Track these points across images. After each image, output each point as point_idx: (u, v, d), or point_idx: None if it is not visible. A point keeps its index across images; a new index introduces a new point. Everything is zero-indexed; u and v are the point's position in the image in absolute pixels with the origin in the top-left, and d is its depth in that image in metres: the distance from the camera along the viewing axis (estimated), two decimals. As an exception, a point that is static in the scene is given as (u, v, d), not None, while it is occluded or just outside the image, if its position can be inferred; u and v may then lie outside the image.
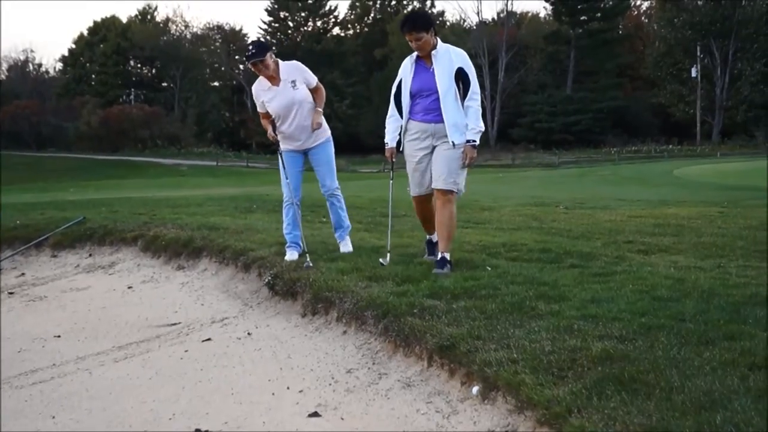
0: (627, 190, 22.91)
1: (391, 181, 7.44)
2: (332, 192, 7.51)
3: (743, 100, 72.52)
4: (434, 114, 6.29)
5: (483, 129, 6.34)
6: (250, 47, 7.25)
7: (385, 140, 6.64)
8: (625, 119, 78.34)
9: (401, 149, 6.66)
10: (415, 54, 6.38)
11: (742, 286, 5.57)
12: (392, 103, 6.60)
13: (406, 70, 6.46)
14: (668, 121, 78.33)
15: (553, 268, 6.49)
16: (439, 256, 6.43)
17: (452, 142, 6.25)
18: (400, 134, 6.59)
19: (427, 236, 7.04)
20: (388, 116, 6.64)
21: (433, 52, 6.26)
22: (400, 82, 6.50)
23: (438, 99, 6.24)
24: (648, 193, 20.37)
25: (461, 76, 6.25)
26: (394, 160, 6.74)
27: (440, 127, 6.29)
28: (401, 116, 6.52)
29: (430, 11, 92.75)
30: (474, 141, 6.28)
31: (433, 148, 6.41)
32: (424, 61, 6.35)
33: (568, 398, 3.52)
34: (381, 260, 6.72)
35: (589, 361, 3.93)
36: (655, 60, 78.75)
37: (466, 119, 6.28)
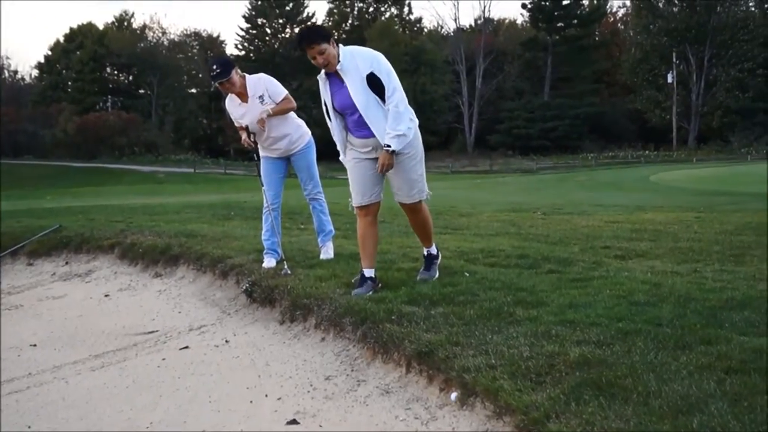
0: (604, 195, 23.04)
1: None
2: (314, 196, 7.51)
3: (718, 105, 73.20)
4: (368, 128, 5.68)
5: (404, 133, 5.62)
6: (214, 66, 7.01)
7: (340, 157, 6.07)
8: (602, 125, 78.83)
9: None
10: (323, 71, 5.76)
11: (718, 291, 5.60)
12: (327, 119, 5.95)
13: (323, 89, 5.84)
14: (645, 127, 78.86)
15: (531, 274, 6.50)
16: (426, 252, 6.30)
17: (393, 151, 5.64)
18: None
19: (363, 269, 6.06)
20: (331, 130, 5.98)
21: (338, 66, 5.60)
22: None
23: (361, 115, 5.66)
24: (625, 199, 20.50)
25: (374, 82, 5.58)
26: None
27: (377, 140, 5.71)
28: None
29: (407, 17, 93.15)
30: (389, 146, 5.60)
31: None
32: (336, 76, 5.73)
33: (546, 404, 3.52)
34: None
35: (567, 367, 3.94)
36: (632, 66, 79.29)
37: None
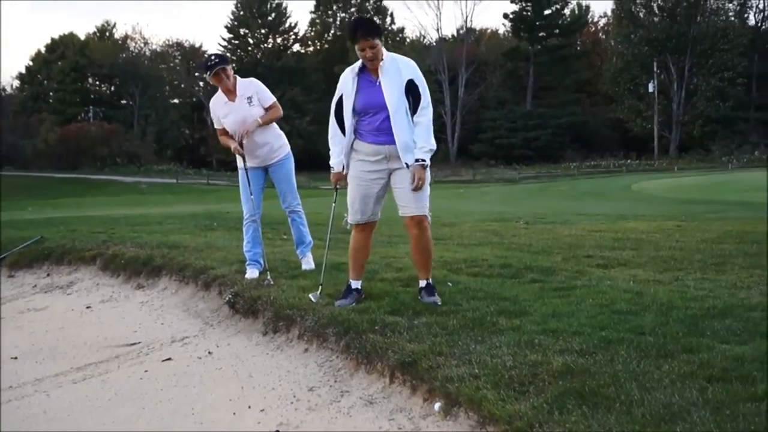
0: (586, 204, 23.14)
1: (333, 204, 6.36)
2: (293, 208, 7.49)
3: (699, 114, 73.63)
4: (387, 134, 5.52)
5: (434, 147, 5.57)
6: (213, 57, 7.13)
7: (330, 163, 5.94)
8: (584, 134, 79.14)
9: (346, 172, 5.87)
10: (356, 66, 5.66)
11: (700, 299, 5.64)
12: (333, 122, 5.87)
13: (346, 85, 5.71)
14: (626, 136, 79.21)
15: (514, 283, 6.51)
16: (424, 283, 5.91)
17: (406, 164, 5.51)
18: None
19: (350, 281, 6.04)
20: (330, 137, 5.90)
21: (381, 64, 5.51)
22: (341, 98, 5.77)
23: (388, 117, 5.51)
24: (607, 208, 20.59)
25: (412, 90, 5.52)
26: (339, 186, 6.01)
27: (395, 149, 5.54)
28: (345, 135, 5.78)
29: (389, 27, 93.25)
30: (423, 160, 5.48)
31: (390, 173, 5.68)
32: (370, 74, 5.61)
33: (529, 413, 3.53)
34: (311, 296, 6.10)
35: (550, 376, 3.95)
36: (613, 75, 79.63)
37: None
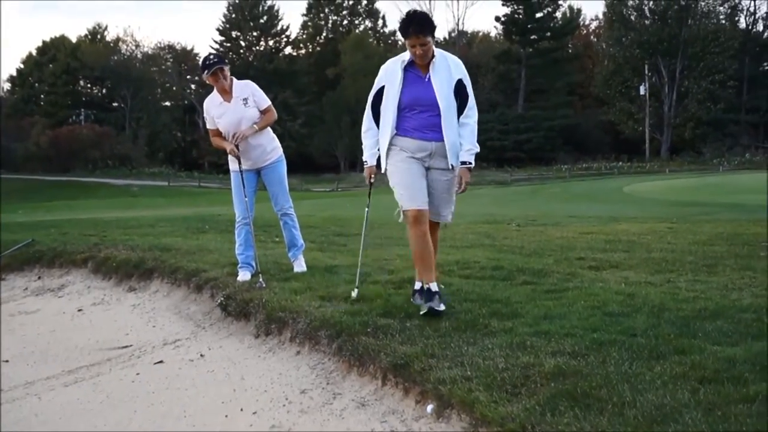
0: (578, 206, 23.17)
1: (367, 209, 6.09)
2: (285, 211, 7.47)
3: (690, 117, 73.86)
4: (435, 131, 5.34)
5: (478, 149, 5.49)
6: (211, 56, 7.15)
7: (363, 158, 5.67)
8: (576, 137, 79.36)
9: (383, 168, 5.58)
10: (405, 58, 5.44)
11: (691, 301, 5.65)
12: (369, 115, 5.64)
13: (392, 77, 5.44)
14: (618, 139, 79.43)
15: (506, 286, 6.52)
16: (428, 287, 5.43)
17: (451, 165, 5.38)
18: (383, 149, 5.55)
19: (416, 281, 5.73)
20: (363, 130, 5.67)
21: (433, 61, 5.36)
22: (381, 89, 5.52)
23: (437, 115, 5.33)
24: (599, 210, 20.61)
25: (460, 90, 5.43)
26: (373, 180, 5.78)
27: (442, 146, 5.38)
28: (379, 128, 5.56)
29: (381, 30, 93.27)
30: (470, 163, 5.44)
31: (427, 170, 5.47)
32: (419, 69, 5.41)
33: (521, 415, 3.53)
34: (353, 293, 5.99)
35: (542, 378, 3.95)
36: (605, 78, 79.85)
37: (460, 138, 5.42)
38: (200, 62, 7.32)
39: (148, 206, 35.65)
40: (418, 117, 5.39)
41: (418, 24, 5.23)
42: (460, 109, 5.46)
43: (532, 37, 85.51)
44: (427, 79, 5.37)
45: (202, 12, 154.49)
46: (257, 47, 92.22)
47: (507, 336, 4.79)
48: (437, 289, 5.42)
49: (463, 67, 5.50)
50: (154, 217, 17.89)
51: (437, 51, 5.38)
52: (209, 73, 7.00)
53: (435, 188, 5.50)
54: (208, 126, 7.36)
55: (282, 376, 5.24)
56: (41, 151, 77.96)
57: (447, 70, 5.40)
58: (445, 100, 5.35)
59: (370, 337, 4.97)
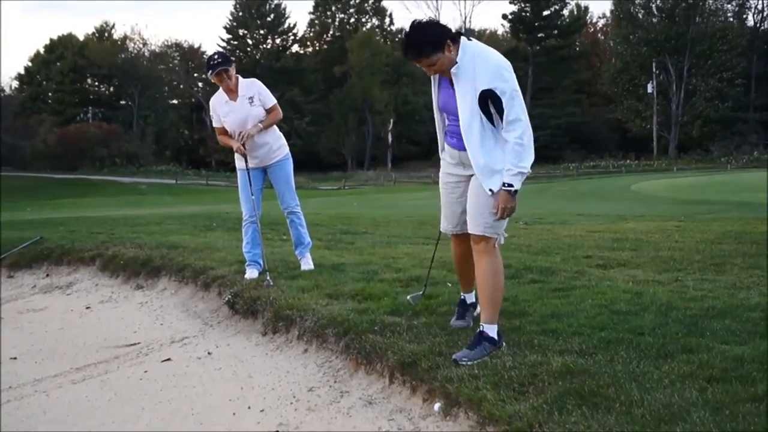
0: (585, 205, 23.12)
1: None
2: (292, 209, 7.46)
3: (698, 115, 73.69)
4: (460, 138, 4.65)
5: (525, 169, 4.47)
6: (216, 56, 7.11)
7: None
8: (583, 135, 79.25)
9: None
10: None
11: (699, 299, 5.63)
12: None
13: (433, 81, 4.85)
14: (625, 137, 79.32)
15: (513, 284, 6.49)
16: (480, 328, 4.65)
17: (489, 189, 4.53)
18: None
19: (461, 293, 5.36)
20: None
21: (453, 69, 4.51)
22: None
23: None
24: (606, 208, 20.57)
25: (491, 101, 4.43)
26: None
27: (467, 155, 4.66)
28: None
29: (388, 28, 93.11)
30: (510, 185, 4.46)
31: (469, 177, 4.80)
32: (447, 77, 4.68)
33: (529, 413, 3.53)
34: (409, 298, 5.63)
35: (550, 376, 3.94)
36: (612, 76, 79.73)
37: (503, 157, 4.50)
38: (206, 61, 7.31)
39: (156, 204, 35.73)
40: (453, 123, 4.78)
41: (410, 50, 4.56)
42: (491, 118, 4.50)
43: (540, 35, 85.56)
44: (453, 89, 4.64)
45: (209, 10, 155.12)
46: (264, 45, 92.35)
47: (514, 334, 4.78)
48: (491, 335, 4.61)
49: (498, 71, 4.45)
50: (162, 215, 17.91)
51: (465, 50, 4.51)
52: (213, 73, 7.00)
53: (470, 195, 4.77)
54: (215, 124, 7.36)
55: (289, 374, 5.24)
56: (49, 149, 78.12)
57: (470, 79, 4.47)
58: (466, 117, 4.52)
59: (378, 336, 4.96)
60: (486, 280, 4.66)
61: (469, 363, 4.32)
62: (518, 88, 4.50)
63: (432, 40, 4.46)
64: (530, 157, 4.49)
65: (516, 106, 4.41)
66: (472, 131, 4.51)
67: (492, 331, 4.58)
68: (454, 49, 4.49)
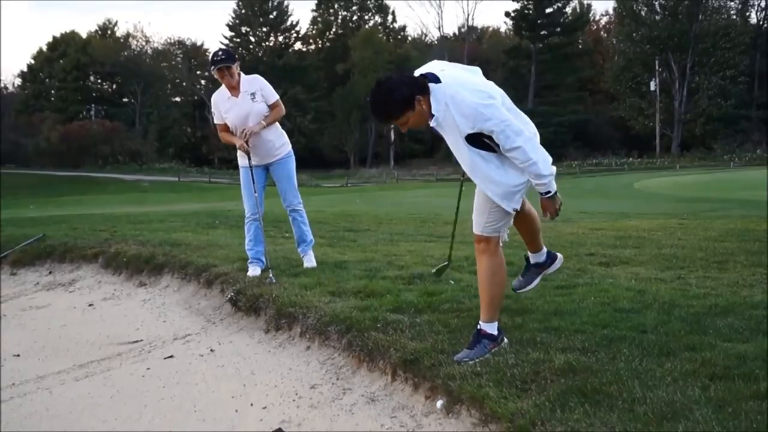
0: (588, 202, 23.07)
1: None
2: (294, 207, 7.47)
3: (701, 113, 73.62)
4: None
5: (547, 173, 4.37)
6: (219, 53, 7.13)
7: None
8: (586, 132, 79.16)
9: None
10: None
11: (702, 297, 5.62)
12: None
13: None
14: (628, 134, 79.22)
15: (516, 281, 6.49)
16: (477, 327, 4.61)
17: (513, 209, 4.56)
18: None
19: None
20: None
21: (432, 122, 4.33)
22: None
23: None
24: (609, 206, 20.56)
25: (481, 136, 4.27)
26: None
27: None
28: None
29: (391, 26, 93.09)
30: (547, 193, 4.49)
31: None
32: None
33: (531, 411, 3.53)
34: (434, 270, 5.71)
35: (552, 374, 3.94)
36: (615, 74, 79.66)
37: (516, 171, 4.40)
38: (209, 57, 7.31)
39: (159, 201, 35.74)
40: None
41: (378, 113, 4.44)
42: (492, 148, 4.34)
43: (542, 32, 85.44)
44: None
45: (212, 8, 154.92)
46: (267, 43, 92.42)
47: (517, 332, 4.78)
48: (488, 331, 4.56)
49: (476, 112, 4.17)
50: (165, 212, 17.92)
51: (441, 99, 4.26)
52: (215, 68, 7.01)
53: (476, 194, 4.67)
54: (216, 121, 7.35)
55: (292, 371, 5.25)
56: (52, 146, 78.16)
57: (453, 127, 4.28)
58: (466, 161, 4.41)
59: (380, 333, 4.97)
60: (485, 280, 4.61)
61: (470, 362, 4.31)
62: (499, 111, 4.21)
63: (399, 100, 4.25)
64: (546, 161, 4.38)
65: (510, 135, 4.21)
66: (477, 169, 4.40)
67: (490, 328, 4.54)
68: (425, 101, 4.26)
